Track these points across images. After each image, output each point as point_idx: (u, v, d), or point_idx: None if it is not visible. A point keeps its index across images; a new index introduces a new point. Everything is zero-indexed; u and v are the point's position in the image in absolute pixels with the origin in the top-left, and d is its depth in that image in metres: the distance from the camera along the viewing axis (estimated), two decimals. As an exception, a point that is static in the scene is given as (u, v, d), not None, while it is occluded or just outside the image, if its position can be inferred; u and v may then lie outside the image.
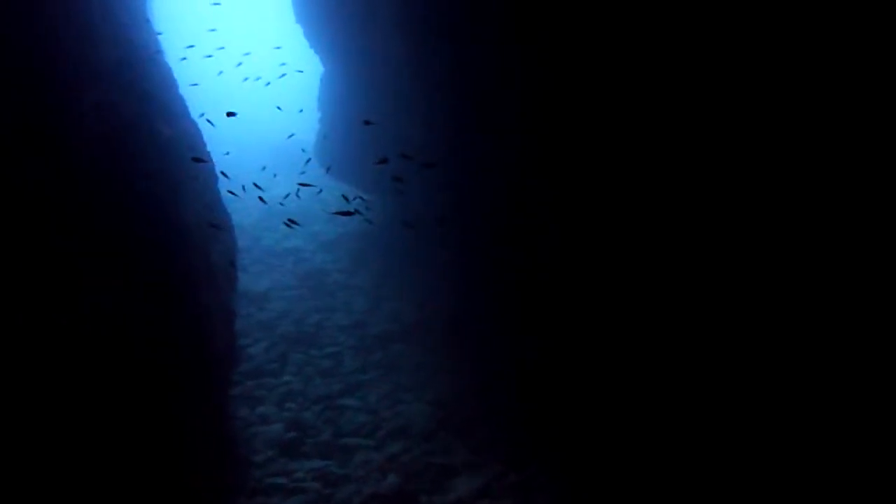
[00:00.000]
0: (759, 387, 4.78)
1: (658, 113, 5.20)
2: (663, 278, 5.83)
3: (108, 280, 4.68)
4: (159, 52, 7.77)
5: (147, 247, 5.24)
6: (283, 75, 12.76)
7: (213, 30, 13.66)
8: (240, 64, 12.99)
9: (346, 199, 7.62)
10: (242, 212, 20.05)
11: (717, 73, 4.48)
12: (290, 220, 5.80)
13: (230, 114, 5.03)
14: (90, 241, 4.47)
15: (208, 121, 5.70)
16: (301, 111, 14.92)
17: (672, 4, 4.68)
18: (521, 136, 8.22)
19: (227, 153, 15.35)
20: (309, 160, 13.06)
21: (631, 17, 5.21)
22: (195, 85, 17.12)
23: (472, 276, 11.73)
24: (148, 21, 7.85)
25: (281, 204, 14.53)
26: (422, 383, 10.73)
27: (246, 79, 14.60)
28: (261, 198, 6.86)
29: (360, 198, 7.80)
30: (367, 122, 5.83)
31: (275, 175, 13.51)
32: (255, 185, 6.15)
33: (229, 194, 21.18)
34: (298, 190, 12.93)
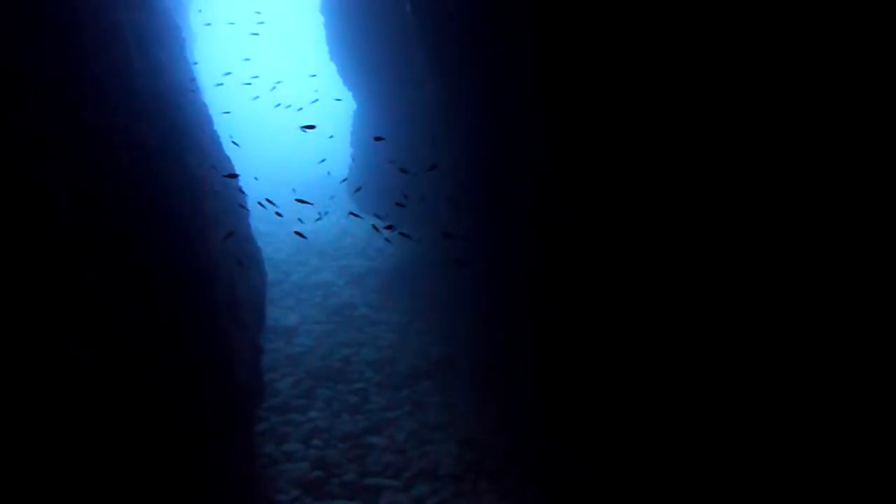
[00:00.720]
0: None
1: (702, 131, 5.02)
2: (705, 319, 5.56)
3: (134, 313, 4.60)
4: (194, 84, 7.87)
5: (173, 281, 5.17)
6: (316, 101, 12.86)
7: (247, 59, 13.91)
8: (273, 88, 13.13)
9: (375, 228, 7.52)
10: (274, 245, 20.18)
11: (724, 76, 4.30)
12: (297, 232, 5.67)
13: (307, 127, 4.96)
14: (116, 272, 4.41)
15: (234, 143, 5.65)
16: (332, 137, 15.02)
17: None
18: (555, 175, 8.08)
19: (256, 178, 15.49)
20: (345, 180, 13.08)
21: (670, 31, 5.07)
22: (227, 113, 17.38)
23: (502, 312, 11.51)
24: (183, 52, 7.99)
25: (319, 217, 14.46)
26: (450, 422, 10.46)
27: (278, 105, 14.78)
28: (277, 213, 6.78)
29: (400, 233, 7.64)
30: (377, 138, 5.74)
31: (323, 214, 13.55)
32: (268, 200, 6.05)
33: (260, 228, 21.38)
34: (319, 217, 12.91)
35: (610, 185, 6.67)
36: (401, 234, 6.52)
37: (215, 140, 8.50)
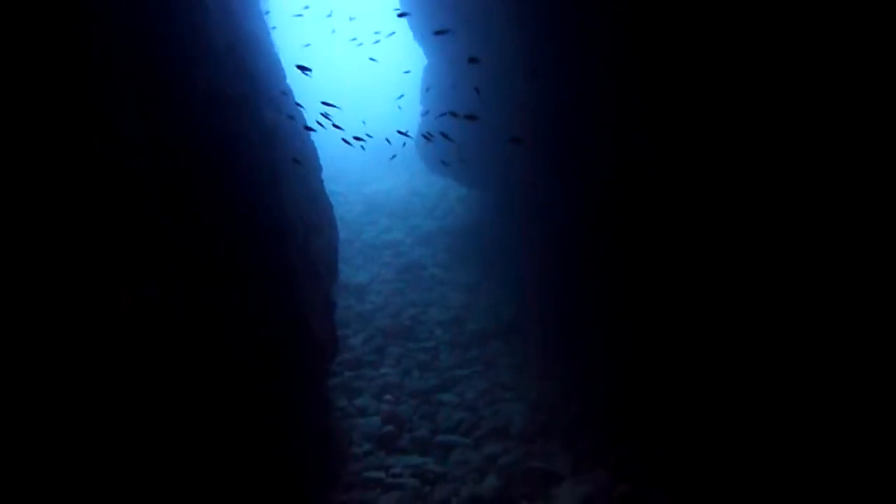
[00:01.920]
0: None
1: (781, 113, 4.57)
2: (781, 279, 5.16)
3: (205, 259, 4.63)
4: (269, 37, 7.79)
5: (247, 235, 5.17)
6: (393, 32, 12.52)
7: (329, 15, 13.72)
8: (352, 19, 12.89)
9: (345, 141, 7.31)
10: (345, 206, 20.37)
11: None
12: (355, 137, 5.53)
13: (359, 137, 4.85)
14: (189, 224, 4.43)
15: (326, 103, 5.53)
16: (402, 96, 14.80)
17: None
18: (636, 131, 7.65)
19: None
20: (406, 142, 12.98)
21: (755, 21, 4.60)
22: (308, 45, 17.20)
23: (574, 273, 11.19)
24: (258, 6, 7.92)
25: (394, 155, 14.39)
26: (521, 383, 10.34)
27: (354, 39, 14.55)
28: (361, 146, 6.69)
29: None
30: (470, 118, 5.52)
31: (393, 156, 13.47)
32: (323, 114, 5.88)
33: (333, 189, 21.59)
34: (404, 143, 12.87)
35: (703, 155, 6.24)
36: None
37: (290, 92, 8.47)
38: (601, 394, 9.25)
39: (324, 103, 4.94)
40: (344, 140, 6.94)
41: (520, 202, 12.78)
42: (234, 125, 5.19)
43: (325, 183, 21.67)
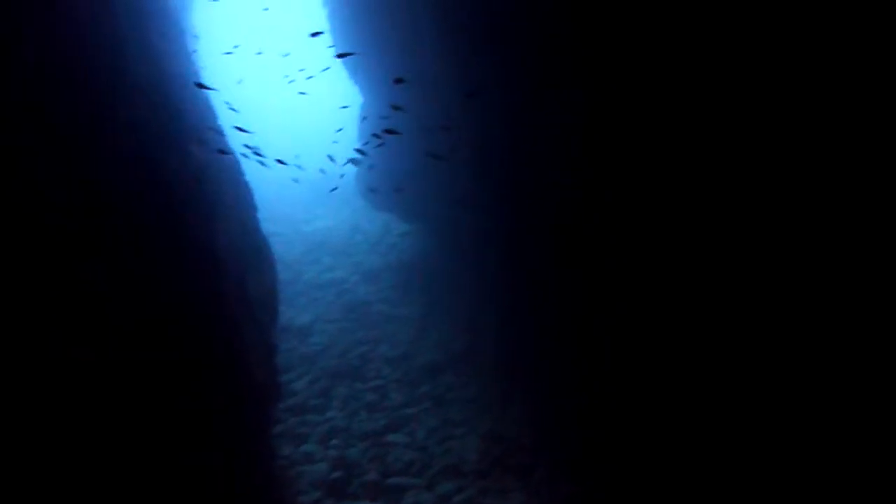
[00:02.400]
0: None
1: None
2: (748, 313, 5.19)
3: (135, 309, 4.31)
4: (193, 66, 7.54)
5: (177, 274, 4.86)
6: (328, 68, 12.43)
7: (259, 53, 13.55)
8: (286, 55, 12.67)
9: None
10: (285, 246, 19.92)
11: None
12: (278, 160, 5.36)
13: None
14: (116, 267, 4.12)
15: (239, 128, 5.36)
16: (340, 130, 14.64)
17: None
18: (579, 150, 7.72)
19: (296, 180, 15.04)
20: (344, 174, 12.82)
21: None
22: (240, 82, 16.78)
23: (525, 299, 11.14)
24: (183, 35, 7.66)
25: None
26: (473, 416, 10.13)
27: (286, 76, 14.29)
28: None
29: None
30: (390, 132, 5.41)
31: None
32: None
33: (270, 229, 21.12)
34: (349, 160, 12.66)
35: (640, 179, 6.31)
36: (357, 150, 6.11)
37: (220, 131, 8.19)
38: (556, 421, 9.12)
39: (238, 128, 4.75)
40: (261, 162, 6.73)
41: (465, 231, 12.73)
42: (161, 162, 4.92)
43: (263, 223, 21.16)
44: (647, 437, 7.86)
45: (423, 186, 14.52)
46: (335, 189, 11.68)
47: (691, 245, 5.80)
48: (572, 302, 9.22)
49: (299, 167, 9.99)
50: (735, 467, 5.97)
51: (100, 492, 4.08)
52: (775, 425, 5.09)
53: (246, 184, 9.50)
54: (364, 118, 12.52)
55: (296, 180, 7.35)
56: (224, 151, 7.07)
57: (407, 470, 8.82)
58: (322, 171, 8.05)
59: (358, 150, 6.74)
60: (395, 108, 5.82)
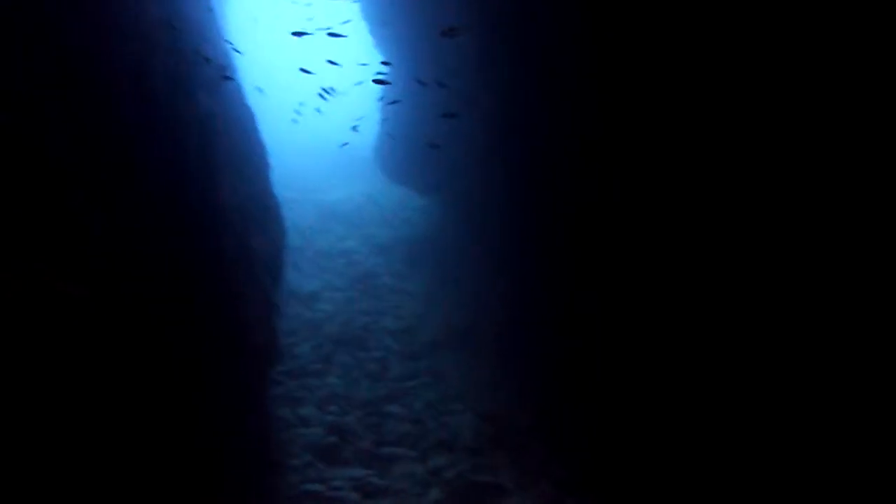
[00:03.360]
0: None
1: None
2: (738, 286, 5.04)
3: (129, 250, 4.25)
4: (209, 17, 7.41)
5: (175, 220, 4.79)
6: (348, 21, 12.13)
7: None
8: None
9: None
10: (299, 213, 19.90)
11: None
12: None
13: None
14: (109, 203, 4.05)
15: (258, 89, 5.22)
16: (360, 83, 14.35)
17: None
18: (595, 135, 7.54)
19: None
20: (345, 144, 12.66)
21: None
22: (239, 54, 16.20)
23: (530, 279, 11.02)
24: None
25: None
26: (471, 394, 10.07)
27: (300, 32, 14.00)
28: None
29: None
30: (421, 83, 5.26)
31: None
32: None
33: (287, 196, 21.09)
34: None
35: (644, 171, 6.13)
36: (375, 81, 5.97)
37: (234, 76, 8.04)
38: (553, 403, 9.04)
39: (303, 70, 4.62)
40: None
41: (476, 208, 12.60)
42: (166, 107, 4.83)
43: (279, 188, 21.16)
44: (643, 427, 7.75)
45: (441, 161, 14.38)
46: (346, 144, 11.51)
47: (699, 233, 5.64)
48: (572, 288, 9.09)
49: (298, 112, 9.72)
50: (729, 452, 5.86)
51: (88, 439, 4.05)
52: (777, 417, 4.97)
53: (260, 142, 9.41)
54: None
55: (344, 144, 7.22)
56: (234, 99, 6.99)
57: (401, 441, 8.80)
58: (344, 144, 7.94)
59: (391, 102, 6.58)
60: (421, 82, 5.64)
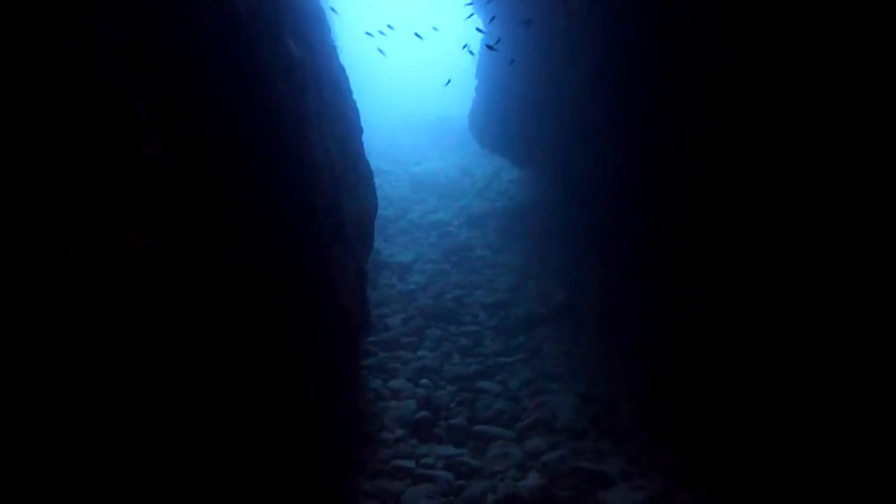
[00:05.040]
0: None
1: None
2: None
3: (209, 205, 3.95)
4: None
5: (258, 174, 4.45)
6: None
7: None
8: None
9: None
10: (393, 184, 19.72)
11: None
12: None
13: None
14: (184, 152, 3.74)
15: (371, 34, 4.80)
16: (448, 82, 13.67)
17: None
18: (705, 121, 6.63)
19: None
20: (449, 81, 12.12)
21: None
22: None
23: (628, 260, 10.15)
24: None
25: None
26: (570, 373, 9.43)
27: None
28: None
29: None
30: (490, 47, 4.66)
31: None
32: None
33: (381, 167, 20.92)
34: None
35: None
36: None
37: (324, 23, 7.60)
38: (662, 388, 8.26)
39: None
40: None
41: (577, 180, 11.80)
42: (251, 50, 4.48)
43: (374, 160, 20.93)
44: (753, 413, 6.88)
45: (539, 130, 13.62)
46: (449, 82, 10.96)
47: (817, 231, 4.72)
48: (681, 269, 8.21)
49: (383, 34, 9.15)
50: (840, 451, 4.99)
51: (165, 406, 3.78)
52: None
53: (354, 104, 9.07)
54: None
55: (448, 82, 6.75)
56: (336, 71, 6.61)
57: (496, 419, 8.31)
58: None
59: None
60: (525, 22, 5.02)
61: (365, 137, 10.47)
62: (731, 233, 6.77)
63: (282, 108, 4.87)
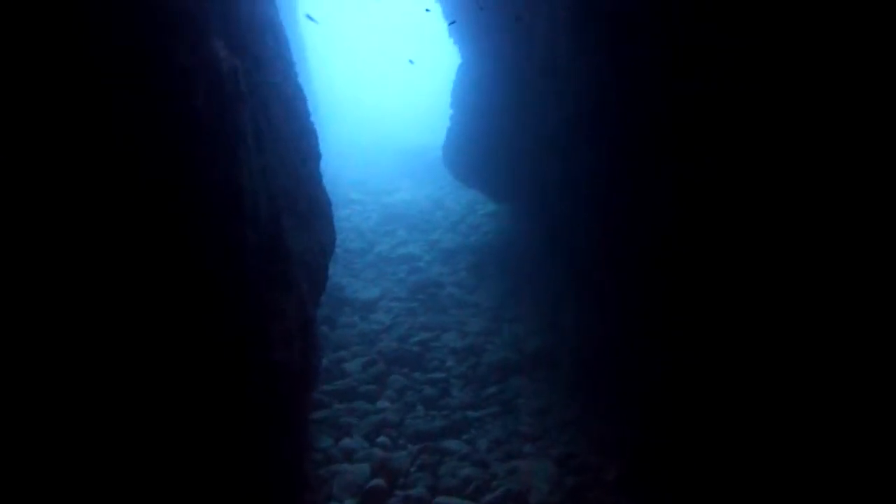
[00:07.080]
0: None
1: None
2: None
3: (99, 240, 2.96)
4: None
5: (170, 202, 3.45)
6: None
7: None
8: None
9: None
10: (362, 215, 18.75)
11: None
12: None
13: None
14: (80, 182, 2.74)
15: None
16: (412, 62, 12.90)
17: None
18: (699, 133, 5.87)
19: None
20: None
21: None
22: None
23: (611, 304, 9.25)
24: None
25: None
26: (546, 432, 8.43)
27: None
28: None
29: None
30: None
31: None
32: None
33: (351, 196, 19.92)
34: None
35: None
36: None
37: (280, 37, 6.59)
38: (652, 454, 7.30)
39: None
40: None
41: (555, 216, 10.95)
42: (163, 53, 3.52)
43: (345, 190, 19.96)
44: (760, 489, 5.97)
45: (515, 164, 12.82)
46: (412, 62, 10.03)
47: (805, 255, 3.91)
48: (669, 313, 7.37)
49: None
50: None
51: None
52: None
53: (311, 126, 8.12)
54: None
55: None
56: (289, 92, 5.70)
57: (461, 489, 7.25)
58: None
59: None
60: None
61: (336, 166, 9.56)
62: (728, 275, 5.94)
63: (200, 122, 3.90)
